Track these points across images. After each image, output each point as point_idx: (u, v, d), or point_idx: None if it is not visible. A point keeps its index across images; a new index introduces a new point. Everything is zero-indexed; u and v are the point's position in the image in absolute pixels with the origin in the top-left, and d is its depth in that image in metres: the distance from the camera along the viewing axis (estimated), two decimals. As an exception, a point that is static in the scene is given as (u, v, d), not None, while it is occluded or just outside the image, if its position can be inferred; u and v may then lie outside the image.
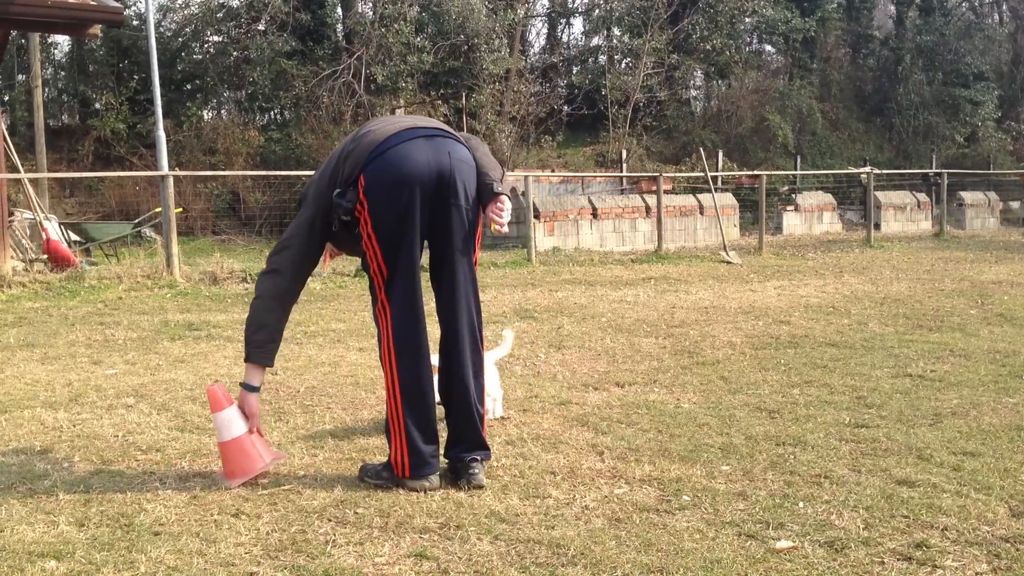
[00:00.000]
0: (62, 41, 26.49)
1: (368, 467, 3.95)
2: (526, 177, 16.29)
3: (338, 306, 10.05)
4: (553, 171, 25.62)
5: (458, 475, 3.87)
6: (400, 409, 3.82)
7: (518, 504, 3.58)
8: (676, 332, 7.85)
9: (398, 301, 3.82)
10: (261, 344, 3.96)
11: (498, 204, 3.89)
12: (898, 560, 3.00)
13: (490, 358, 4.47)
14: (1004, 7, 42.57)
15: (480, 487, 3.77)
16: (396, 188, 3.69)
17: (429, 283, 4.02)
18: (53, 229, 13.70)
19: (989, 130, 34.15)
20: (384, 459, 3.97)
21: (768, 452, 4.23)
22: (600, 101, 28.52)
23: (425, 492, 3.74)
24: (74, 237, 15.12)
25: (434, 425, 3.89)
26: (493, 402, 4.77)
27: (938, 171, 24.68)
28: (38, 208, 13.95)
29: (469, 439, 3.92)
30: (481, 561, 3.03)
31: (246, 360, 3.99)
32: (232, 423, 3.93)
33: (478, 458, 3.90)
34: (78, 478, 3.96)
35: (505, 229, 3.94)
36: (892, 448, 4.25)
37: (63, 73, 27.01)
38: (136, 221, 16.77)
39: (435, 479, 3.81)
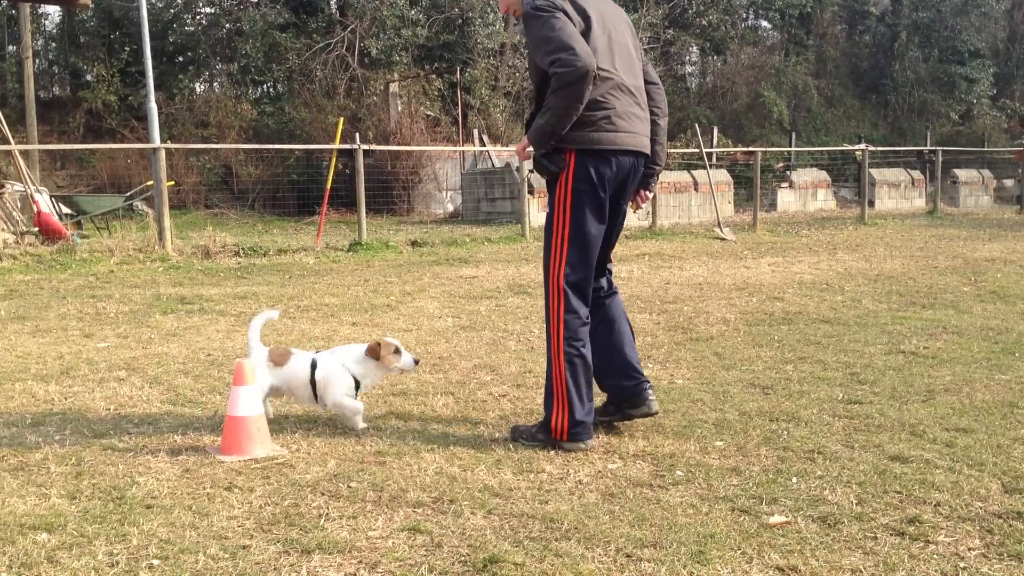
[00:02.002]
0: (53, 12, 26.25)
1: (521, 429, 4.13)
2: (520, 152, 16.19)
3: (331, 280, 10.03)
4: (547, 146, 25.48)
5: (634, 402, 4.18)
6: (564, 378, 3.99)
7: (512, 478, 3.58)
8: (670, 308, 7.84)
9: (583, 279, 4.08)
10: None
11: None
12: (891, 535, 3.01)
13: None
14: (1001, -16, 42.40)
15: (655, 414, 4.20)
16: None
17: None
18: (44, 202, 13.63)
19: (984, 108, 34.14)
20: (534, 422, 4.21)
21: (762, 428, 4.23)
22: (595, 76, 28.34)
23: (576, 452, 3.94)
24: (65, 210, 15.05)
25: (592, 392, 4.07)
26: None
27: (932, 148, 24.69)
28: (29, 181, 13.85)
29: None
30: (474, 535, 3.03)
31: (538, 148, 4.05)
32: (248, 401, 3.91)
33: (650, 383, 4.26)
34: (70, 451, 3.95)
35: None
36: (885, 424, 4.26)
37: (54, 44, 26.80)
38: (128, 194, 16.68)
39: (591, 442, 4.01)
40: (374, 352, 4.31)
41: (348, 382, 4.27)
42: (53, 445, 4.03)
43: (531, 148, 4.04)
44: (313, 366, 4.30)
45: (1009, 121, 35.96)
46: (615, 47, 4.02)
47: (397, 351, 4.33)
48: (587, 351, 4.05)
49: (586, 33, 3.91)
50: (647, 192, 4.37)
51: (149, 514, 3.22)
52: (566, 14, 3.87)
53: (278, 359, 4.35)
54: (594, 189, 3.96)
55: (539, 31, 3.86)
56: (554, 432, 3.99)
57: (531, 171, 3.97)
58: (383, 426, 4.32)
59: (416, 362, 4.43)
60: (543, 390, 4.21)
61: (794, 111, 30.74)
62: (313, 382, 4.28)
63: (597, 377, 4.20)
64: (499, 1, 4.31)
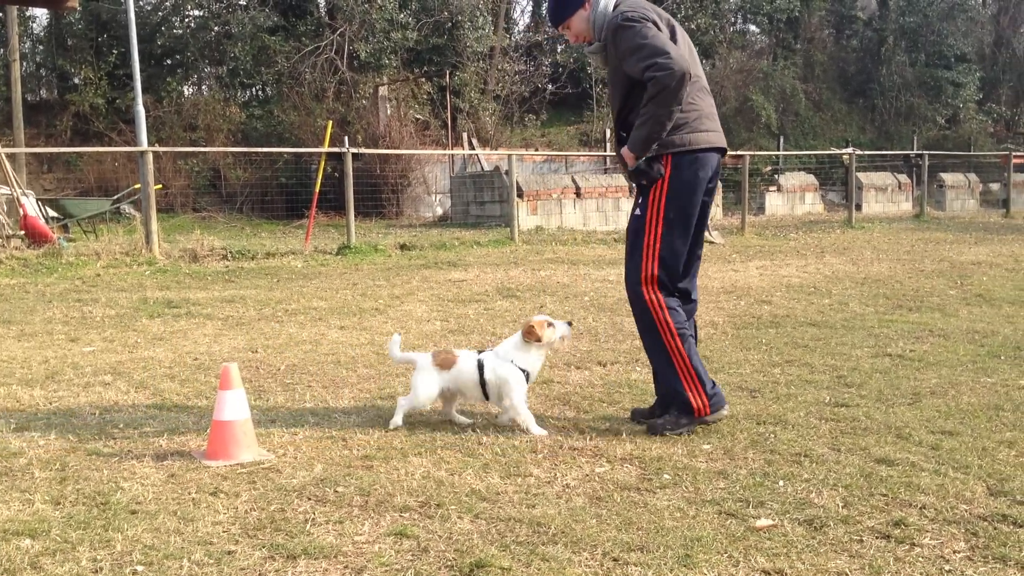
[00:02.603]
0: (40, 14, 26.14)
1: (658, 424, 4.23)
2: (509, 156, 16.23)
3: (320, 284, 10.00)
4: (537, 150, 25.57)
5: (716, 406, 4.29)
6: (687, 360, 4.19)
7: (499, 482, 3.57)
8: (658, 311, 7.84)
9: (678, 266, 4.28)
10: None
11: None
12: (877, 538, 3.01)
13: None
14: (987, -11, 42.64)
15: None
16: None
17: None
18: (31, 205, 13.55)
19: (970, 112, 34.31)
20: (661, 416, 4.31)
21: (749, 431, 4.23)
22: (584, 80, 28.44)
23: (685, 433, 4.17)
24: (52, 213, 14.98)
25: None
26: None
27: (919, 152, 24.78)
28: (15, 184, 13.78)
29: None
30: (461, 539, 3.02)
31: (641, 153, 4.19)
32: (234, 405, 3.90)
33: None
34: (54, 456, 3.92)
35: None
36: (871, 427, 4.27)
37: (41, 47, 26.68)
38: (115, 197, 16.62)
39: (727, 407, 4.31)
40: (532, 334, 4.29)
41: (521, 378, 4.27)
42: (37, 450, 4.01)
43: (630, 156, 4.18)
44: (480, 367, 4.32)
45: (995, 125, 36.16)
46: (692, 51, 4.23)
47: (550, 324, 4.34)
48: (691, 330, 4.30)
49: (672, 39, 4.09)
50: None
51: (133, 519, 3.21)
52: (655, 24, 4.04)
53: (443, 363, 4.35)
54: (691, 190, 4.15)
55: (631, 40, 4.02)
56: (697, 412, 4.21)
57: (627, 176, 4.09)
58: (370, 430, 4.30)
59: (570, 324, 4.47)
60: (655, 382, 4.43)
61: (782, 115, 30.82)
62: (483, 381, 4.31)
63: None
64: (569, 33, 4.41)
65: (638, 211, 4.25)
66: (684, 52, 4.09)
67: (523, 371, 4.30)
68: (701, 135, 4.14)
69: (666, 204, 4.15)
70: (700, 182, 4.17)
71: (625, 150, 4.18)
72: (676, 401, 4.24)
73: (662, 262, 4.19)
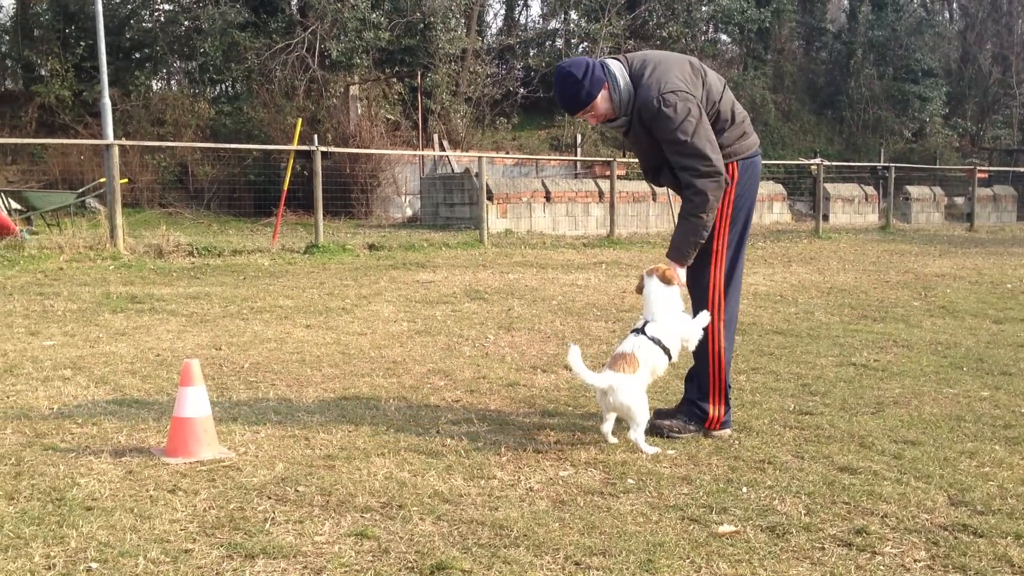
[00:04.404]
0: (7, 3, 25.87)
1: (663, 426, 4.24)
2: (480, 158, 16.21)
3: (287, 282, 9.92)
4: (507, 153, 25.55)
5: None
6: (724, 372, 4.27)
7: (462, 484, 3.55)
8: (626, 316, 7.86)
9: (735, 277, 4.35)
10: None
11: None
12: (838, 546, 3.02)
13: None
14: (954, 5, 43.31)
15: None
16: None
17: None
18: (-7, 196, 13.35)
19: (936, 126, 34.75)
20: (664, 419, 4.33)
21: (713, 437, 4.24)
22: (556, 85, 28.39)
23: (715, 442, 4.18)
24: (15, 205, 14.76)
25: None
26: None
27: (886, 165, 25.05)
28: (-23, 174, 13.57)
29: None
30: (423, 541, 2.99)
31: (684, 262, 4.20)
32: (195, 402, 3.83)
33: None
34: (9, 450, 3.84)
35: None
36: (835, 435, 4.29)
37: (7, 37, 26.31)
38: (80, 191, 16.41)
39: (731, 430, 4.34)
40: (668, 278, 4.13)
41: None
42: (-8, 444, 3.93)
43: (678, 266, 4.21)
44: (655, 340, 4.08)
45: (960, 140, 36.66)
46: (723, 83, 4.34)
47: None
48: (733, 343, 4.41)
49: (706, 74, 4.22)
50: None
51: (89, 516, 3.15)
52: (694, 100, 4.04)
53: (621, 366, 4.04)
54: (752, 192, 4.33)
55: (671, 134, 4.02)
56: (710, 422, 4.26)
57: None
58: (333, 430, 4.26)
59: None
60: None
61: (751, 124, 31.07)
62: (664, 348, 4.10)
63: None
64: (591, 117, 4.23)
65: None
66: (716, 81, 4.24)
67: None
68: (752, 139, 4.35)
69: (732, 210, 4.26)
70: (757, 182, 4.38)
71: (673, 266, 4.16)
72: (692, 407, 4.30)
73: (729, 264, 4.28)
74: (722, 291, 4.28)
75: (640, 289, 4.23)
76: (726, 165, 4.15)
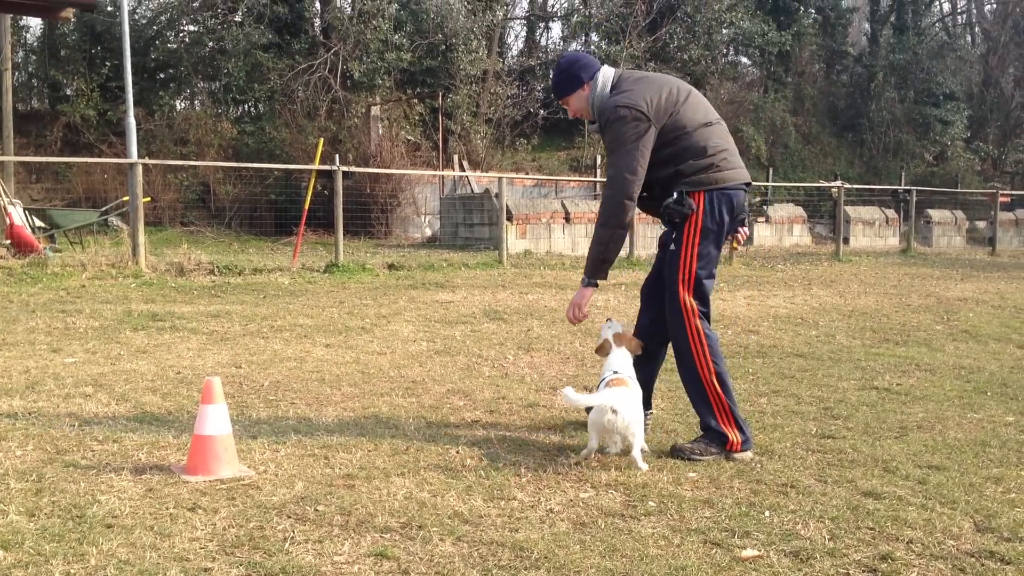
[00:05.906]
0: (34, 24, 26.12)
1: (685, 447, 4.27)
2: (500, 179, 16.24)
3: (307, 301, 9.95)
4: (527, 174, 25.60)
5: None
6: (723, 396, 4.29)
7: (482, 505, 3.53)
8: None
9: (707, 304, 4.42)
10: (609, 266, 4.46)
11: None
12: (863, 572, 2.98)
13: None
14: (976, 29, 43.20)
15: None
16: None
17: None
18: (17, 214, 13.47)
19: (958, 149, 34.58)
20: (691, 440, 4.37)
21: (735, 460, 4.20)
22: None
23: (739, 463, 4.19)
24: (39, 223, 14.88)
25: None
26: None
27: (907, 188, 24.95)
28: (3, 192, 13.71)
29: None
30: (443, 562, 2.98)
31: (594, 277, 4.47)
32: (216, 420, 3.84)
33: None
34: (31, 467, 3.86)
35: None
36: (858, 460, 4.25)
37: (34, 57, 26.61)
38: (103, 209, 16.53)
39: (752, 452, 4.31)
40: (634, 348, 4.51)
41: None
42: (14, 460, 3.94)
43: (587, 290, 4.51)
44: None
45: (982, 163, 36.46)
46: (707, 107, 4.42)
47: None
48: (725, 365, 4.40)
49: (684, 101, 4.30)
50: (744, 229, 4.65)
51: (109, 533, 3.15)
52: (645, 117, 4.19)
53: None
54: (720, 225, 4.31)
55: (615, 140, 4.30)
56: (730, 445, 4.25)
57: (656, 213, 4.34)
58: (353, 449, 4.25)
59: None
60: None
61: (772, 147, 30.99)
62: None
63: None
64: (568, 109, 4.58)
65: (672, 246, 4.37)
66: (695, 102, 4.33)
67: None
68: (728, 172, 4.32)
69: (699, 240, 4.30)
70: (725, 217, 4.33)
71: (581, 289, 4.49)
72: (710, 431, 4.31)
73: (697, 293, 4.35)
74: (695, 319, 4.34)
75: (603, 351, 4.50)
76: (691, 194, 4.25)
